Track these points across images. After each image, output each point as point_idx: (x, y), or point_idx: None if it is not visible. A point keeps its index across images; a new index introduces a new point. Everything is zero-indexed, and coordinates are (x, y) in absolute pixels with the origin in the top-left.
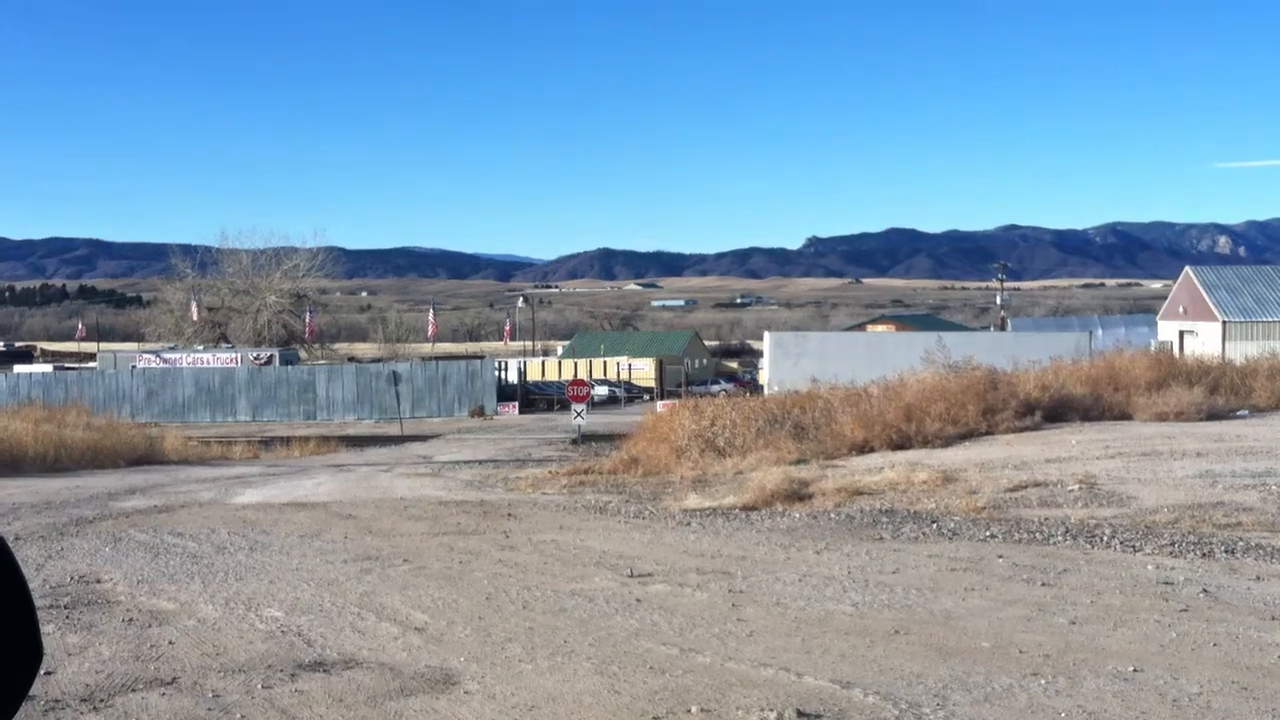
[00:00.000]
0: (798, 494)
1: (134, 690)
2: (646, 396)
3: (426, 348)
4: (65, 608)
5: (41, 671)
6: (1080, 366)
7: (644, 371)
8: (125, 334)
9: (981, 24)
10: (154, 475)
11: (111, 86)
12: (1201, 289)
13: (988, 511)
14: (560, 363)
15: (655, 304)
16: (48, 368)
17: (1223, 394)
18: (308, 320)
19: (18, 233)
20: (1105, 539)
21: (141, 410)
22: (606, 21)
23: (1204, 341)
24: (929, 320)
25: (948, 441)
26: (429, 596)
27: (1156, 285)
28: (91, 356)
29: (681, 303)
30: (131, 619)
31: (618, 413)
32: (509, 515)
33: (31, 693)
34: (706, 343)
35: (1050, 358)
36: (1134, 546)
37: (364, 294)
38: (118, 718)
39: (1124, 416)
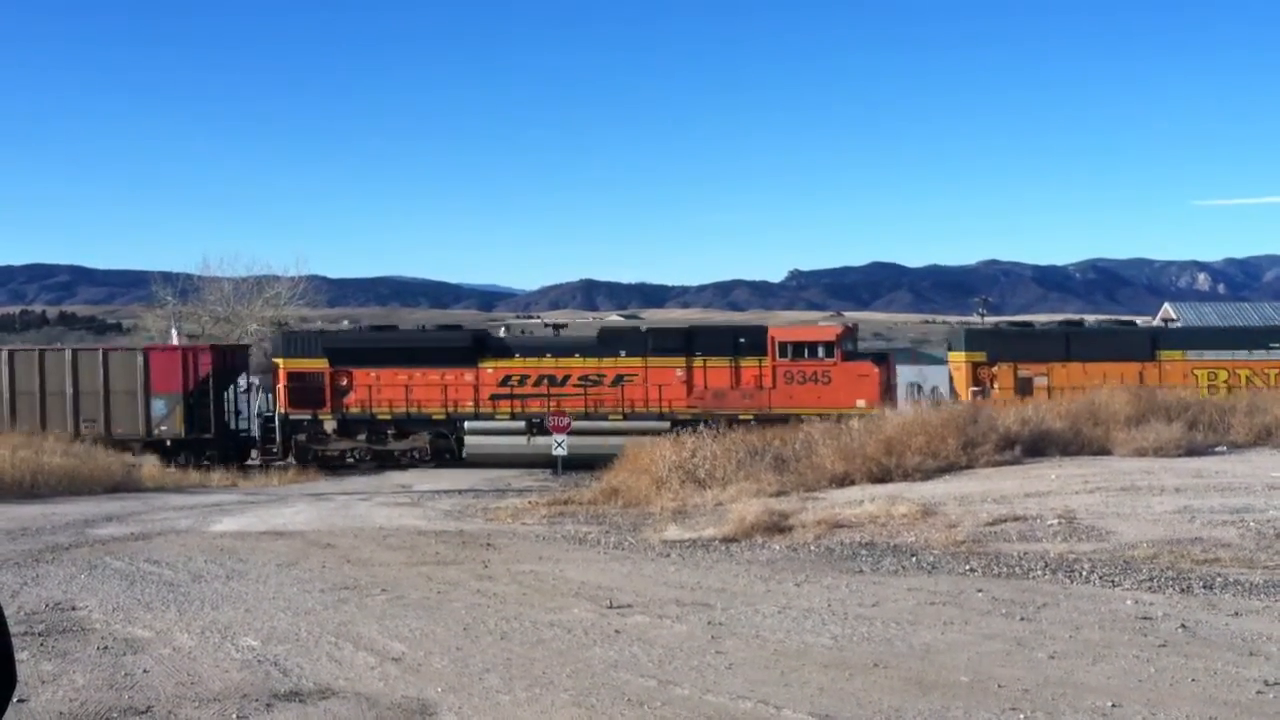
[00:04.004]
0: (778, 526)
1: (108, 719)
2: None
3: None
4: (40, 635)
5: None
6: (1059, 401)
7: None
8: None
9: (962, 62)
10: (131, 502)
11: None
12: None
13: (967, 545)
14: None
15: None
16: None
17: (1201, 430)
18: None
19: None
20: (1084, 574)
21: None
22: (590, 55)
23: None
24: (910, 354)
25: (927, 475)
26: (406, 626)
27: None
28: None
29: None
30: (106, 647)
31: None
32: (488, 545)
33: None
34: None
35: None
36: (1113, 581)
37: (346, 323)
38: None
39: (1103, 451)
